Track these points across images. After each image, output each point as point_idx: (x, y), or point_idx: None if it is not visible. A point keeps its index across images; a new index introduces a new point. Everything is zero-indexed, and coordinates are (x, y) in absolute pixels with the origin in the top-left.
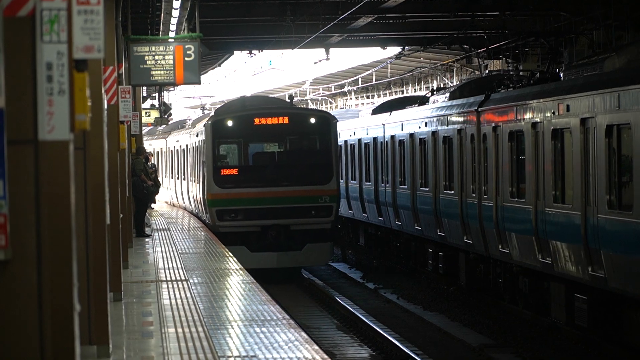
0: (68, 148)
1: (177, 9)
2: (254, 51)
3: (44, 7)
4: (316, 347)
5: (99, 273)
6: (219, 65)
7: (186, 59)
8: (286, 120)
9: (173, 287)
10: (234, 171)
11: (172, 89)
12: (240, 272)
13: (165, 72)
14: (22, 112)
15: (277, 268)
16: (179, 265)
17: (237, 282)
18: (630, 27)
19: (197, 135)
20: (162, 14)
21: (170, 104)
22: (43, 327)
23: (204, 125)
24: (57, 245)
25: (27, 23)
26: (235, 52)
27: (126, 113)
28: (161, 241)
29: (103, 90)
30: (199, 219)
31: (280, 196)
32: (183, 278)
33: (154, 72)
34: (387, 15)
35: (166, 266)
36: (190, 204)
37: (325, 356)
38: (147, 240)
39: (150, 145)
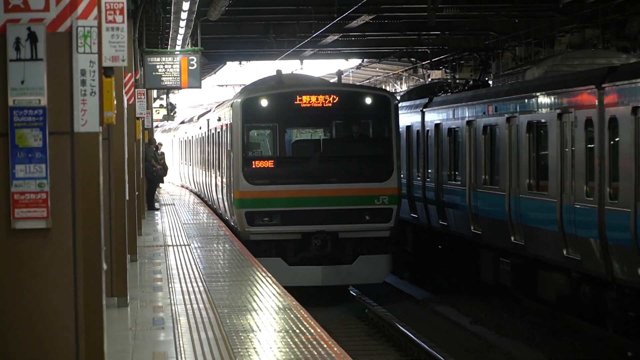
0: (98, 139)
1: (182, 27)
2: (243, 62)
3: (79, 25)
4: (292, 298)
5: (120, 239)
6: (215, 73)
7: (190, 67)
8: (335, 99)
9: (178, 251)
10: (269, 163)
11: (178, 91)
12: (229, 238)
13: (173, 78)
14: (61, 109)
15: (321, 286)
16: (183, 233)
17: (228, 248)
18: (547, 44)
19: (218, 120)
20: (171, 32)
21: (175, 104)
22: (77, 283)
23: (231, 106)
24: (88, 216)
25: (65, 37)
26: (228, 63)
27: (141, 111)
28: (168, 214)
29: (124, 92)
30: (225, 224)
31: (326, 196)
32: (186, 243)
33: (164, 78)
34: (350, 34)
35: (172, 234)
36: (215, 203)
37: (298, 304)
38: (156, 213)
39: (186, 133)
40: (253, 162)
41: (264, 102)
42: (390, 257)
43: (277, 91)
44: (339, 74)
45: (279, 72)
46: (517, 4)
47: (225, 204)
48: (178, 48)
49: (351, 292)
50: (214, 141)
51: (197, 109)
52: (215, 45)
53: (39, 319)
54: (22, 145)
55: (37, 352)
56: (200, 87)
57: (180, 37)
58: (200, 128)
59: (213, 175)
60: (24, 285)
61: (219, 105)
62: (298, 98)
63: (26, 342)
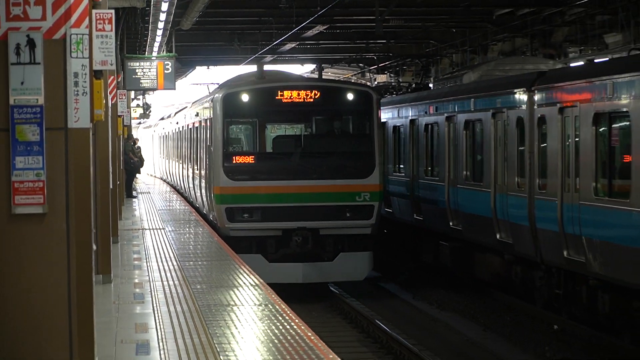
0: (89, 134)
1: (159, 35)
2: (211, 66)
3: (72, 33)
4: (256, 275)
5: (104, 223)
6: (185, 76)
7: (165, 71)
8: (316, 95)
9: (153, 234)
10: (249, 159)
11: (153, 92)
12: (199, 222)
13: (151, 80)
14: (56, 107)
15: (301, 283)
16: (158, 218)
17: (199, 231)
18: (481, 51)
19: (196, 115)
20: (149, 39)
21: (150, 104)
22: (70, 261)
23: (212, 100)
24: (80, 203)
25: (60, 44)
26: (197, 67)
27: (122, 110)
28: (144, 201)
29: (108, 93)
30: (205, 220)
31: (307, 192)
32: (160, 227)
33: (142, 81)
34: (306, 42)
35: (148, 218)
36: (193, 198)
37: (262, 280)
38: (134, 200)
39: (164, 129)
40: (233, 157)
41: (245, 97)
42: (371, 255)
43: (257, 86)
44: (320, 68)
45: (259, 66)
46: (454, 15)
47: (205, 199)
48: (155, 54)
49: (331, 288)
50: (194, 136)
51: (170, 108)
52: (187, 52)
53: (36, 293)
54: (21, 140)
55: (34, 323)
56: (174, 88)
57: (156, 44)
58: (178, 123)
59: (193, 171)
60: (23, 264)
61: (198, 100)
62: (279, 93)
63: (25, 314)
